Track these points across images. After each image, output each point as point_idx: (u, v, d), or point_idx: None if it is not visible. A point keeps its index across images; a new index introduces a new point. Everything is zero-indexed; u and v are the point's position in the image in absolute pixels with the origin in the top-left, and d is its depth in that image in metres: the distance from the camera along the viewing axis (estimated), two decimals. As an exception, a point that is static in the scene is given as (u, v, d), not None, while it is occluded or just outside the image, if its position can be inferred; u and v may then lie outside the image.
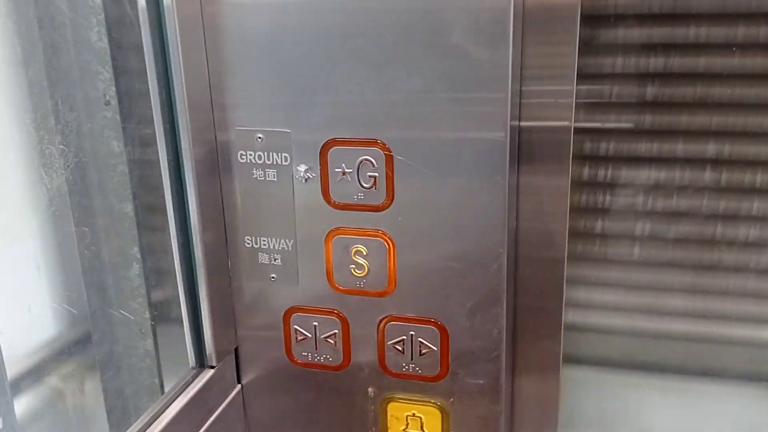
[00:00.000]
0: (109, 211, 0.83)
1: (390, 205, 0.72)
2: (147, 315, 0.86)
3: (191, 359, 0.77)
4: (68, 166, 0.80)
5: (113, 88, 0.81)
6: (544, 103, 0.72)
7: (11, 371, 0.69)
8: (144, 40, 0.69)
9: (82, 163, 0.81)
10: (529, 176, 0.74)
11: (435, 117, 0.68)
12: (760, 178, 0.84)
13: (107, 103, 0.82)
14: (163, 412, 0.71)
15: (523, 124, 0.72)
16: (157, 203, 0.77)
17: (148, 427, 0.69)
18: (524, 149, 0.73)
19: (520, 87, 0.71)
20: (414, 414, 0.78)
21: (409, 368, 0.76)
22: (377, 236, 0.73)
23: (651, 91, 0.84)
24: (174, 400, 0.72)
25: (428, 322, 0.74)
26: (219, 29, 0.71)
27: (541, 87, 0.71)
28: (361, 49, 0.68)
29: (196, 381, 0.75)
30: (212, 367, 0.77)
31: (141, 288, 0.86)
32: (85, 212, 0.82)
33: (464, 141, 0.68)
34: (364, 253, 0.74)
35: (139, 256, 0.86)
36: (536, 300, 0.77)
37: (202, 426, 0.75)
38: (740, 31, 0.80)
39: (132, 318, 0.83)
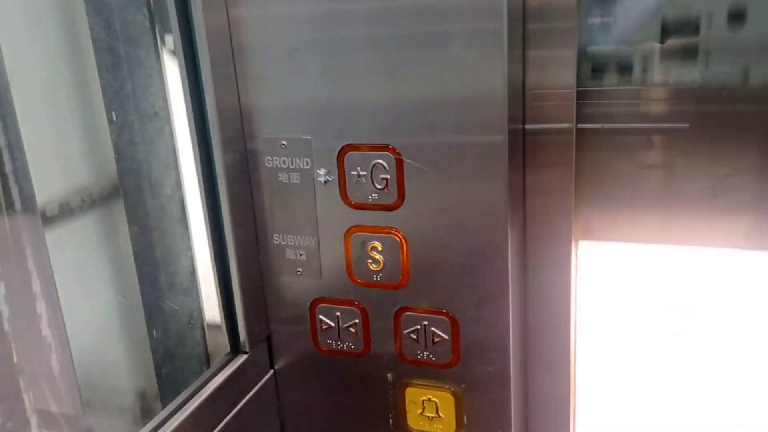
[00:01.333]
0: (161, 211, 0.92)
1: (401, 204, 0.78)
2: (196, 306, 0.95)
3: (227, 345, 0.85)
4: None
5: (160, 101, 0.90)
6: (546, 106, 0.77)
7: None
8: (177, 57, 0.77)
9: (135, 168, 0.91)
10: (535, 175, 0.78)
11: (440, 123, 0.74)
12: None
13: (155, 115, 0.90)
14: (198, 392, 0.79)
15: (528, 126, 0.77)
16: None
17: (184, 405, 0.77)
18: (530, 150, 0.78)
19: (524, 91, 0.76)
20: (429, 398, 0.84)
21: (423, 356, 0.82)
22: (391, 233, 0.79)
23: None
24: (209, 382, 0.80)
25: (440, 312, 0.80)
26: (245, 47, 0.78)
27: (543, 91, 0.76)
28: (374, 62, 0.74)
29: (230, 365, 0.83)
30: (245, 353, 0.85)
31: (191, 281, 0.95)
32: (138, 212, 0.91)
33: (467, 144, 0.73)
34: (380, 249, 0.80)
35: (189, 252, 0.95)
36: (545, 292, 0.82)
37: (237, 405, 0.83)
38: None
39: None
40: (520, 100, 0.76)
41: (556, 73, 0.75)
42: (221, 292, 0.83)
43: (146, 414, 0.94)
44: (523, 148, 0.78)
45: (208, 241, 0.82)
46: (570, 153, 0.77)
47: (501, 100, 0.71)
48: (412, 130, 0.75)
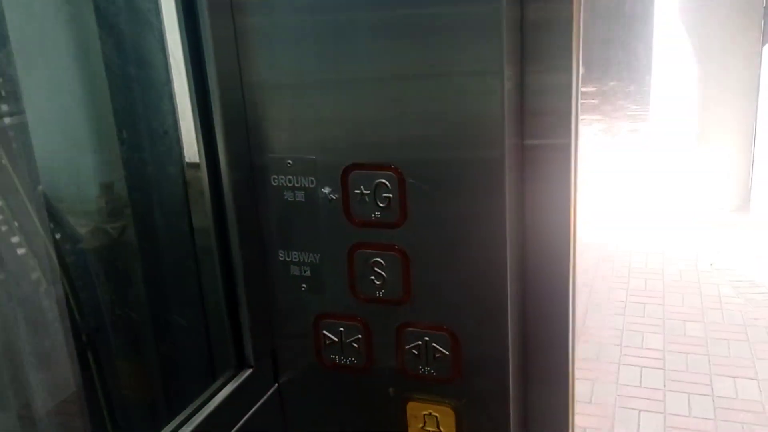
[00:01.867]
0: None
1: (403, 222, 0.80)
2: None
3: (232, 359, 0.86)
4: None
5: (170, 120, 0.92)
6: (545, 122, 0.79)
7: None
8: (187, 79, 0.80)
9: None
10: (534, 192, 0.80)
11: (441, 141, 0.77)
12: None
13: (165, 133, 0.93)
14: (203, 405, 0.81)
15: (527, 142, 0.79)
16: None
17: (189, 419, 0.79)
18: (528, 166, 0.80)
19: (522, 107, 0.78)
20: (430, 413, 0.85)
21: (424, 371, 0.84)
22: (393, 250, 0.81)
23: None
24: (214, 395, 0.82)
25: (441, 328, 0.82)
26: (253, 67, 0.81)
27: (542, 107, 0.78)
28: (377, 85, 0.77)
29: (235, 379, 0.85)
30: (251, 367, 0.86)
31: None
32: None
33: (467, 161, 0.76)
34: (382, 266, 0.82)
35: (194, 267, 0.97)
36: (544, 310, 0.84)
37: (242, 419, 0.85)
38: None
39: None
40: (519, 115, 0.78)
41: (555, 89, 0.77)
42: (227, 307, 0.85)
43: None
44: (523, 164, 0.80)
45: (216, 256, 0.84)
46: (568, 169, 0.79)
47: (499, 116, 0.74)
48: (414, 149, 0.78)
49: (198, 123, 0.82)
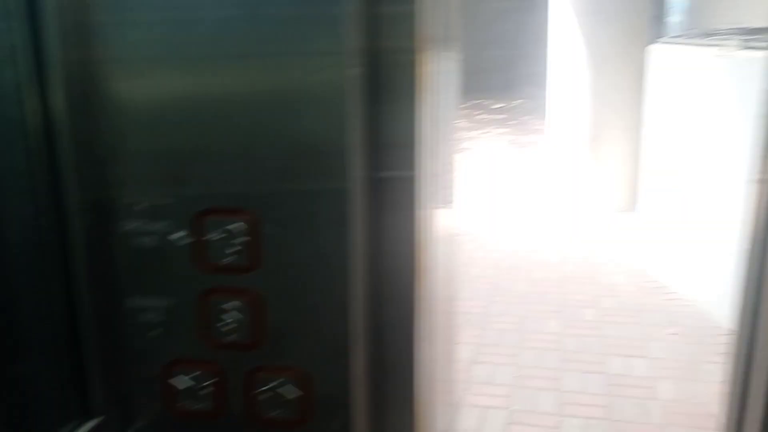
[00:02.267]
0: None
1: (257, 266, 0.79)
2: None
3: (76, 409, 0.83)
4: None
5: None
6: (393, 154, 0.79)
7: None
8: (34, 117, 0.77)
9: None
10: (382, 225, 0.80)
11: (291, 177, 0.77)
12: None
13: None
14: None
15: (380, 174, 0.79)
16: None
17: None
18: (379, 199, 0.80)
19: (377, 139, 0.78)
20: (286, 458, 0.84)
21: (277, 414, 0.83)
22: (246, 294, 0.80)
23: None
24: (58, 448, 0.79)
25: (293, 371, 0.81)
26: (111, 111, 0.79)
27: (391, 139, 0.78)
28: (231, 132, 0.77)
29: (81, 428, 0.82)
30: (99, 415, 0.84)
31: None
32: None
33: (314, 196, 0.77)
34: (235, 310, 0.81)
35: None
36: (394, 343, 0.83)
37: (87, 470, 0.82)
38: None
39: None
40: (369, 147, 0.78)
41: (401, 121, 0.78)
42: (71, 355, 0.82)
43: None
44: (376, 196, 0.80)
45: (62, 302, 0.80)
46: (412, 201, 0.79)
47: (343, 148, 0.75)
48: (265, 192, 0.78)
49: (46, 164, 0.78)
